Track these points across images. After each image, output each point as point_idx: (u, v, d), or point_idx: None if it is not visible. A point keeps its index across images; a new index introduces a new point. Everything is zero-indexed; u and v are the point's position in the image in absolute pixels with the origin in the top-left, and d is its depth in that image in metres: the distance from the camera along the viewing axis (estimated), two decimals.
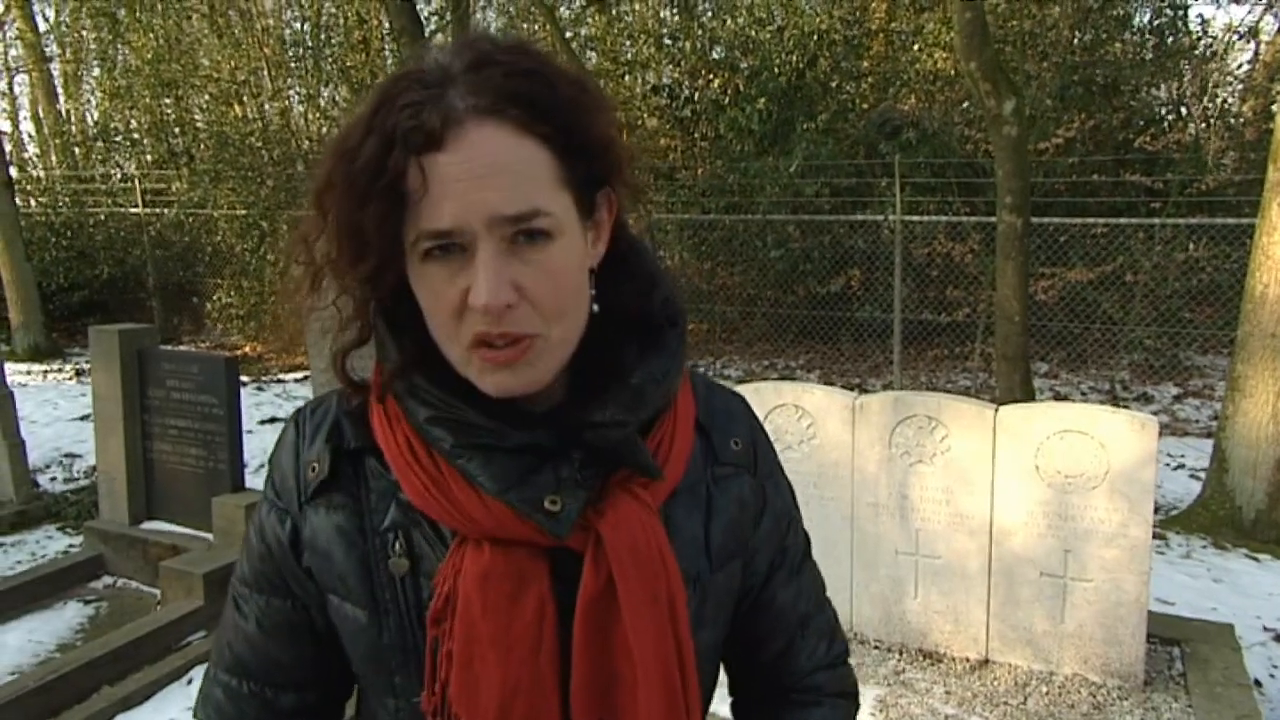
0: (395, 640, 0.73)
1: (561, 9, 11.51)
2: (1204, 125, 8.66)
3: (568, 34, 10.68)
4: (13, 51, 15.17)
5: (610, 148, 0.70)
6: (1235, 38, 8.94)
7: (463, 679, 0.68)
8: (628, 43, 11.89)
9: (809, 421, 3.35)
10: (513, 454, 0.68)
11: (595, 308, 0.72)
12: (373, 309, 0.74)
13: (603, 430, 0.70)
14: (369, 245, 0.65)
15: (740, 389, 3.64)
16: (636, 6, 12.97)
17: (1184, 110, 9.11)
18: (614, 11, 12.60)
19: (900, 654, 3.27)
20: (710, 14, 11.11)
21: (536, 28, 12.31)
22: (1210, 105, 8.66)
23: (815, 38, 9.19)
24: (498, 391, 0.68)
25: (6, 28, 13.41)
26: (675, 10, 11.92)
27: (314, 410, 0.80)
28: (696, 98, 9.77)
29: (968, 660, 3.21)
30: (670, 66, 10.69)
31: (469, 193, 0.63)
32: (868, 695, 3.02)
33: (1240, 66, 9.95)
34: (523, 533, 0.68)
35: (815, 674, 0.89)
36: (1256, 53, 10.33)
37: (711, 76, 9.70)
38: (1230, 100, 9.30)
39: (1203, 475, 4.91)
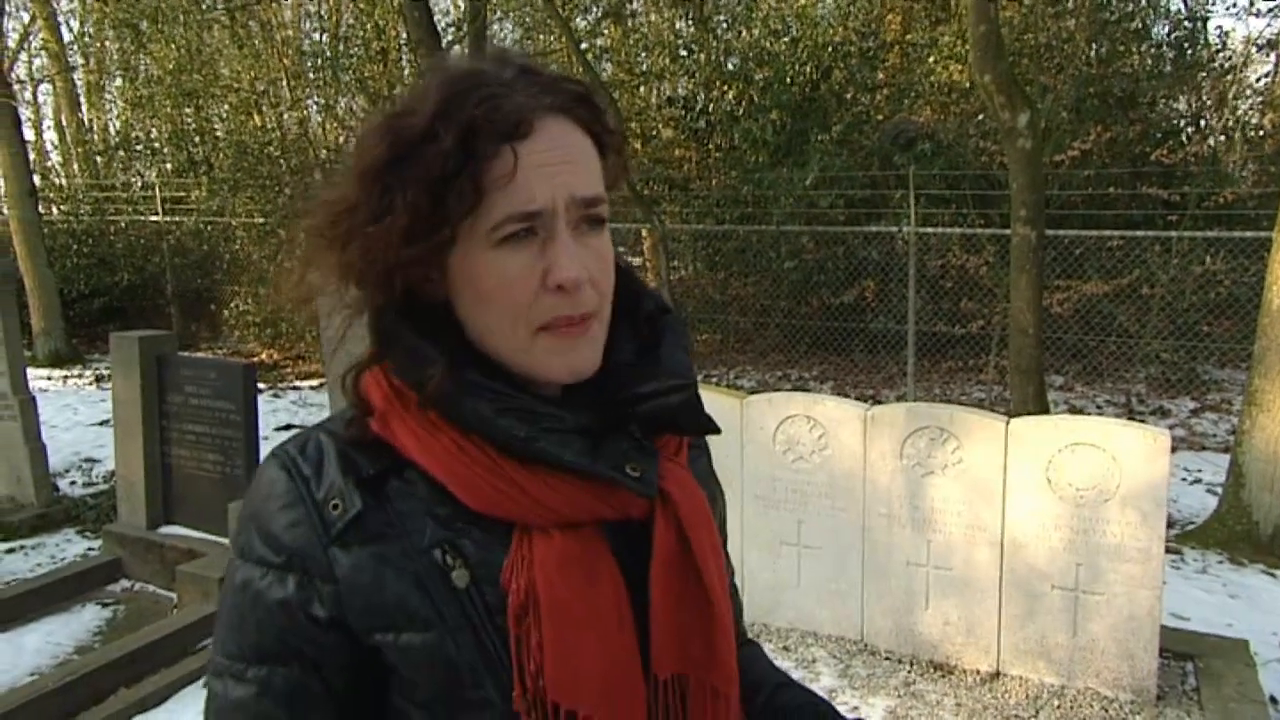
0: (472, 653, 0.70)
1: (577, 20, 11.59)
2: (1222, 138, 8.62)
3: (583, 45, 10.74)
4: (37, 61, 15.41)
5: (623, 155, 0.78)
6: (1255, 50, 8.90)
7: (560, 665, 0.68)
8: (643, 54, 11.95)
9: (821, 432, 3.36)
10: (578, 433, 0.71)
11: None
12: (388, 319, 0.73)
13: (661, 398, 0.74)
14: (431, 229, 0.68)
15: (753, 399, 3.65)
16: (652, 18, 13.06)
17: (1202, 123, 9.07)
18: (629, 23, 12.67)
19: (911, 665, 3.27)
20: (725, 26, 11.16)
21: (553, 39, 12.40)
22: (1229, 118, 8.62)
23: (830, 49, 9.21)
24: (569, 371, 0.71)
25: (31, 38, 13.62)
26: (690, 22, 11.98)
27: (301, 449, 0.73)
28: (711, 109, 9.81)
29: (979, 673, 3.20)
30: (685, 78, 10.74)
31: (555, 175, 0.68)
32: (878, 706, 3.01)
33: (1259, 79, 9.91)
34: (593, 509, 0.71)
35: (740, 622, 0.96)
36: (1276, 65, 10.28)
37: (726, 88, 9.74)
38: (1249, 113, 9.25)
39: (1219, 490, 4.88)
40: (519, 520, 0.70)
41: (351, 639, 0.70)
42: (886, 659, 3.31)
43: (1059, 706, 2.99)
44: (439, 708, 0.71)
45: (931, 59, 9.16)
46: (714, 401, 3.56)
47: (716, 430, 0.80)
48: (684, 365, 0.78)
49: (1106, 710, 2.96)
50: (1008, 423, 3.10)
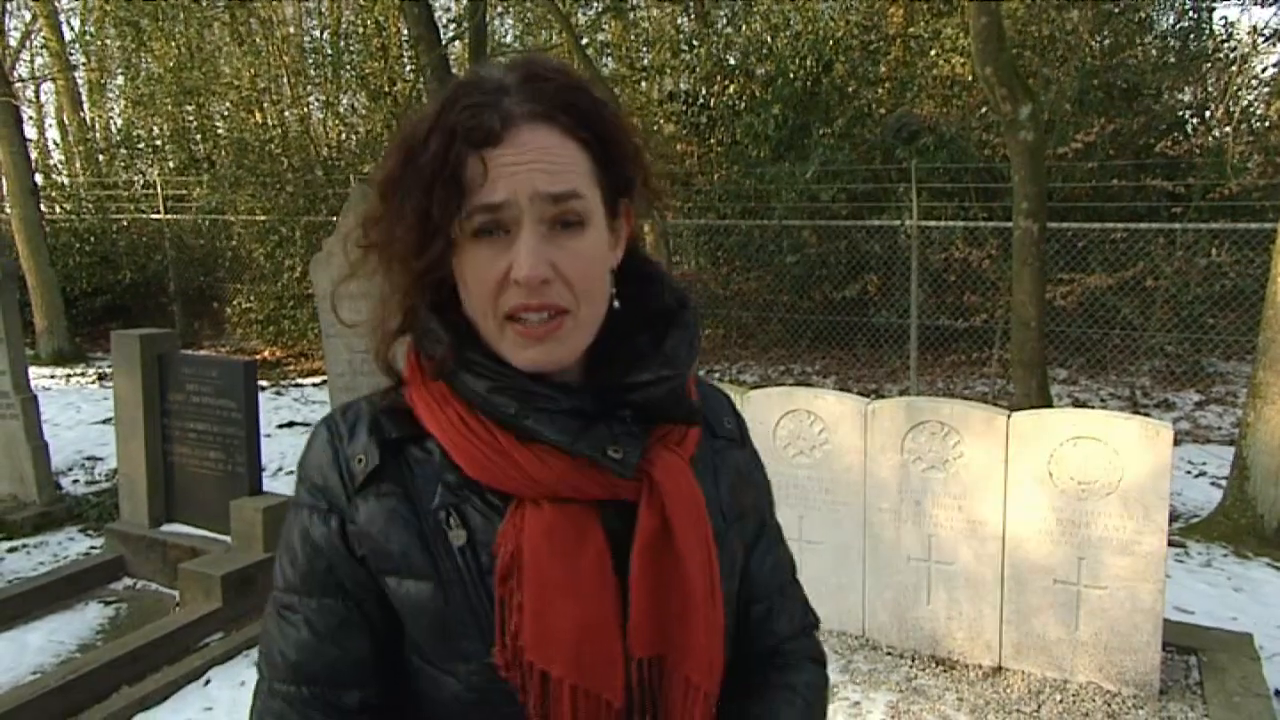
0: (461, 607, 0.76)
1: (578, 15, 11.56)
2: (1227, 129, 8.56)
3: (584, 40, 10.72)
4: (39, 60, 15.42)
5: (635, 161, 0.81)
6: (1261, 40, 8.84)
7: (536, 626, 0.74)
8: (644, 49, 11.93)
9: (821, 427, 3.35)
10: (569, 414, 0.76)
11: (616, 304, 0.81)
12: (418, 299, 0.80)
13: (649, 387, 0.79)
14: (437, 229, 0.74)
15: (753, 394, 3.63)
16: (653, 13, 13.02)
17: (1207, 114, 9.01)
18: (630, 18, 12.64)
19: (913, 660, 3.26)
20: (726, 20, 11.13)
21: (554, 34, 12.38)
22: (1234, 109, 8.56)
23: (831, 43, 9.17)
24: (529, 365, 0.76)
25: (33, 37, 13.62)
26: (691, 17, 11.94)
27: (344, 413, 0.83)
28: (712, 104, 9.78)
29: (981, 667, 3.19)
30: (686, 73, 10.71)
31: (518, 173, 0.73)
32: (879, 701, 3.01)
33: (1265, 70, 9.85)
34: (581, 486, 0.76)
35: (793, 639, 0.98)
36: None
37: (727, 82, 9.71)
38: (1255, 104, 9.18)
39: (1224, 483, 4.86)
40: (514, 491, 0.76)
41: (374, 576, 0.79)
42: (888, 654, 3.30)
43: (1061, 701, 2.98)
44: (429, 653, 0.79)
45: (933, 52, 9.12)
46: None
47: (695, 420, 0.84)
48: (680, 357, 0.82)
49: (1109, 704, 2.95)
50: (1009, 417, 3.08)
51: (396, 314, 0.82)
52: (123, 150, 13.80)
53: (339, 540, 0.79)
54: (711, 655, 0.81)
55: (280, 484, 5.37)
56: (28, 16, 13.75)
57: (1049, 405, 5.68)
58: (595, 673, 0.75)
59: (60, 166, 15.48)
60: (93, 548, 4.72)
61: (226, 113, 12.85)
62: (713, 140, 10.08)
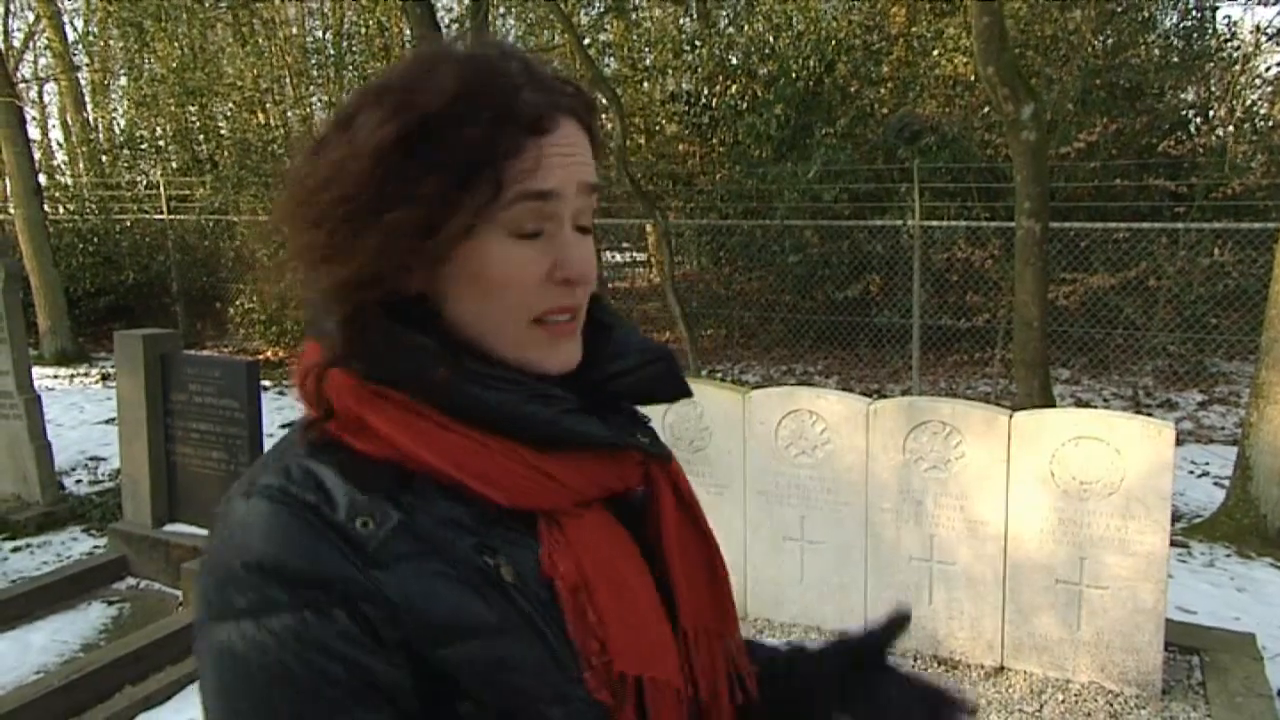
0: (538, 647, 0.66)
1: (580, 15, 11.57)
2: (1230, 128, 8.55)
3: (586, 41, 10.72)
4: (42, 61, 15.46)
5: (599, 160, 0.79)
6: (1264, 39, 8.82)
7: (621, 635, 0.69)
8: (646, 49, 11.93)
9: (823, 427, 3.35)
10: (586, 412, 0.73)
11: None
12: (367, 315, 0.68)
13: (641, 371, 0.78)
14: (454, 213, 0.66)
15: (755, 394, 3.63)
16: (655, 13, 13.02)
17: (1210, 113, 9.00)
18: (632, 18, 12.65)
19: (915, 660, 3.26)
20: (728, 20, 11.13)
21: (555, 35, 12.39)
22: (1237, 108, 8.55)
23: (834, 43, 9.17)
24: (563, 363, 0.73)
25: (36, 38, 13.66)
26: (693, 17, 11.95)
27: (287, 478, 0.65)
28: (715, 104, 9.78)
29: (983, 667, 3.19)
30: (688, 73, 10.71)
31: (568, 164, 0.69)
32: None
33: (1269, 69, 9.83)
34: (607, 482, 0.73)
35: None
36: None
37: (730, 82, 9.71)
38: (1258, 103, 9.17)
39: (1227, 483, 4.85)
40: (547, 507, 0.69)
41: (413, 662, 0.63)
42: (890, 654, 3.30)
43: (1063, 700, 2.98)
44: (528, 706, 0.65)
45: (936, 52, 9.11)
46: (716, 397, 3.55)
47: (690, 393, 0.82)
48: (650, 341, 0.81)
49: (1111, 704, 2.95)
50: (1010, 416, 3.08)
51: (342, 310, 0.68)
52: (126, 151, 13.83)
53: (359, 631, 0.61)
54: (735, 612, 0.82)
55: None
56: (31, 17, 13.80)
57: (1052, 405, 5.67)
58: (669, 664, 0.73)
59: (64, 167, 15.56)
60: (96, 547, 4.73)
61: (229, 113, 12.88)
62: (715, 140, 10.08)
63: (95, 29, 15.17)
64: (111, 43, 15.33)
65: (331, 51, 12.07)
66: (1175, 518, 4.74)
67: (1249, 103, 8.87)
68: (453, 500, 0.66)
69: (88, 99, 16.21)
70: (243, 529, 0.63)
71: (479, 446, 0.67)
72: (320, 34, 13.56)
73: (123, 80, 15.66)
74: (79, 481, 5.82)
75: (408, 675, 0.62)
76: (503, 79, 0.68)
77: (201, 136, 13.06)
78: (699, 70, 10.30)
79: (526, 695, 0.65)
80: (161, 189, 11.45)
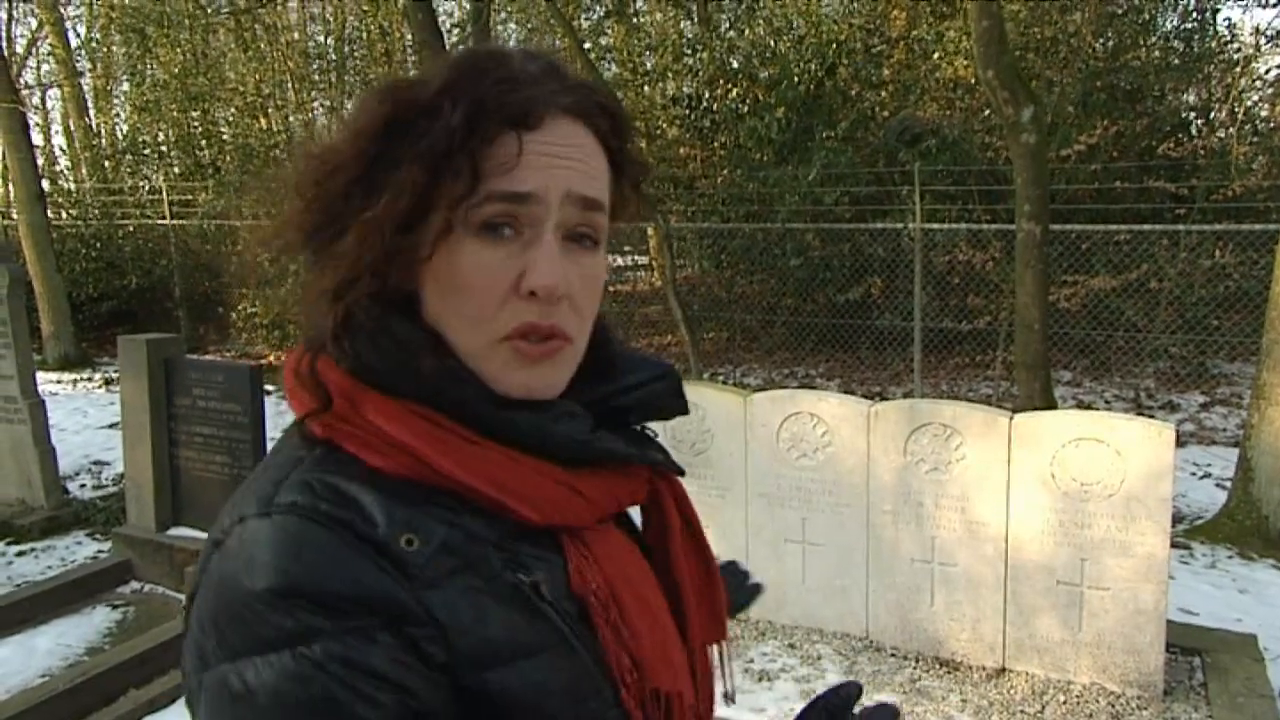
0: (579, 664, 0.64)
1: (580, 19, 11.60)
2: (1231, 130, 8.56)
3: (586, 44, 10.75)
4: (45, 67, 15.51)
5: (637, 190, 0.74)
6: (1264, 42, 8.84)
7: (654, 651, 0.68)
8: (647, 53, 11.96)
9: (824, 430, 3.36)
10: (601, 429, 0.71)
11: None
12: (374, 313, 0.65)
13: (647, 387, 0.75)
14: (431, 208, 0.63)
15: (756, 397, 3.64)
16: (656, 17, 13.05)
17: (1211, 115, 9.01)
18: (633, 22, 12.68)
19: (916, 662, 3.26)
20: (729, 24, 11.15)
21: (556, 39, 12.41)
22: (1238, 110, 8.56)
23: (835, 46, 9.19)
24: (522, 391, 0.65)
25: (39, 44, 13.71)
26: (694, 21, 11.97)
27: (311, 494, 0.60)
28: (715, 107, 9.80)
29: (984, 669, 3.19)
30: (689, 76, 10.73)
31: (554, 166, 0.64)
32: None
33: (1269, 71, 9.84)
34: (620, 499, 0.72)
35: None
36: None
37: (730, 86, 9.73)
38: (1259, 105, 9.18)
39: (1229, 485, 4.85)
40: (573, 524, 0.67)
41: (455, 686, 0.59)
42: (892, 656, 3.31)
43: (1065, 702, 2.99)
44: None
45: (936, 55, 9.13)
46: (717, 400, 3.57)
47: (687, 411, 0.81)
48: (650, 357, 0.80)
49: (1113, 705, 2.96)
50: (1011, 418, 3.09)
51: (335, 310, 0.65)
52: (128, 156, 13.87)
53: (406, 656, 0.57)
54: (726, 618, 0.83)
55: None
56: (34, 24, 13.85)
57: (1053, 407, 5.68)
58: (684, 677, 0.72)
59: (67, 173, 15.60)
60: (100, 552, 4.74)
61: (231, 118, 12.92)
62: (716, 144, 10.10)
63: (98, 35, 15.23)
64: (114, 48, 15.39)
65: (333, 56, 12.12)
66: (1177, 519, 4.75)
67: (1249, 105, 8.88)
68: (477, 514, 0.63)
69: (90, 105, 16.25)
70: (267, 551, 0.57)
71: (511, 463, 0.64)
72: (322, 39, 13.60)
73: (125, 86, 15.71)
74: (83, 486, 5.83)
75: (450, 700, 0.59)
76: (500, 69, 0.64)
77: (204, 142, 13.10)
78: (700, 74, 10.31)
79: (572, 704, 0.63)
80: (164, 194, 11.48)
